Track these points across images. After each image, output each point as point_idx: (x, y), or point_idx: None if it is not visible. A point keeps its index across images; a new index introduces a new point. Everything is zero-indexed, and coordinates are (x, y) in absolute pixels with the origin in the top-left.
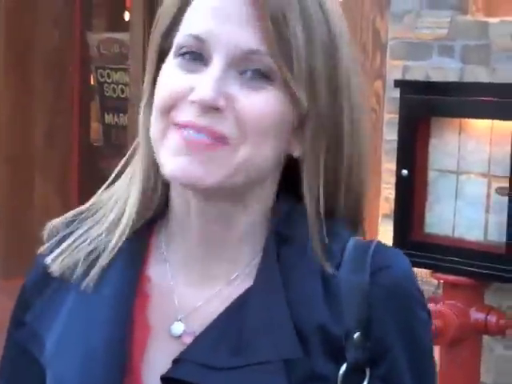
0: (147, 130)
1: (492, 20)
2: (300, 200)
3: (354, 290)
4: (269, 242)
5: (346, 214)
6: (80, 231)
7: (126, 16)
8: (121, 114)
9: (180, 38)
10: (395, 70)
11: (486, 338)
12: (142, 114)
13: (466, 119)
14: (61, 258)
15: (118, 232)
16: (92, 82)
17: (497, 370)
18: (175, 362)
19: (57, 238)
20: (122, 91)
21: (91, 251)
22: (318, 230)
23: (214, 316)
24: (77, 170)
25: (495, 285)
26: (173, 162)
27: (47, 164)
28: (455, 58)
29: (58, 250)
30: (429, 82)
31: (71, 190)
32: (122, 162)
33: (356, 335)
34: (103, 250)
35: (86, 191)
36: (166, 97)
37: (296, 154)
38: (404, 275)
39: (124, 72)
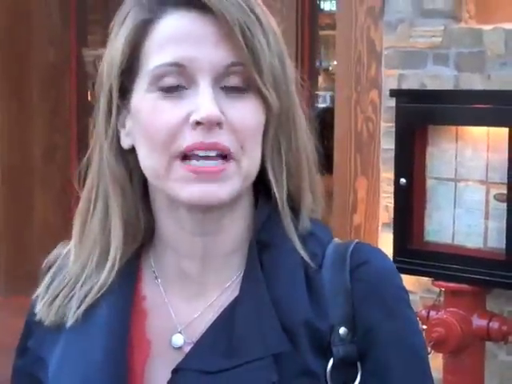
0: (114, 171)
1: (485, 27)
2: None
3: (337, 287)
4: (251, 250)
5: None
6: (68, 275)
7: None
8: None
9: (155, 69)
10: (391, 79)
11: (488, 344)
12: (104, 158)
13: (463, 127)
14: (51, 311)
15: (106, 269)
16: (89, 98)
17: (501, 376)
18: (174, 371)
19: (46, 281)
20: None
21: (83, 294)
22: (295, 230)
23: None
24: (76, 188)
25: (496, 291)
26: (187, 190)
27: (46, 180)
28: (450, 66)
29: (46, 299)
30: (424, 91)
31: (71, 206)
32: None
33: (342, 330)
34: (92, 287)
35: None
36: (163, 130)
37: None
38: (382, 268)
39: None
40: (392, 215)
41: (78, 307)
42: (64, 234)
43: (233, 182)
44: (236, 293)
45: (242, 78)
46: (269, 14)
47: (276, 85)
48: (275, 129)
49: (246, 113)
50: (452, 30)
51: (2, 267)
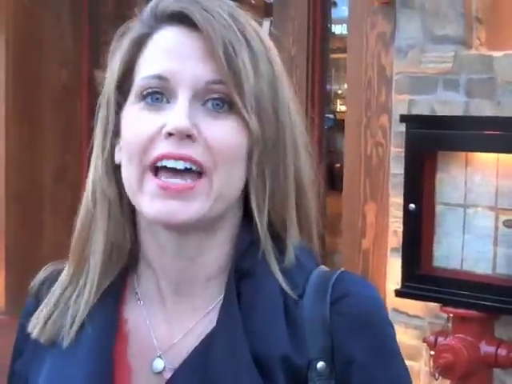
0: (104, 189)
1: (496, 54)
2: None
3: (316, 319)
4: (229, 278)
5: (302, 236)
6: (57, 292)
7: None
8: None
9: (140, 81)
10: (401, 104)
11: (496, 371)
12: (97, 170)
13: (472, 153)
14: (45, 330)
15: (87, 289)
16: None
17: None
18: None
19: (38, 301)
20: None
21: (74, 314)
22: (277, 258)
23: (190, 351)
24: None
25: (505, 317)
26: (152, 205)
27: (56, 202)
28: (460, 92)
29: (36, 317)
30: (434, 117)
31: None
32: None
33: (319, 365)
34: (79, 308)
35: None
36: (138, 140)
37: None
38: (364, 301)
39: None
40: (401, 240)
41: (70, 327)
42: None
43: (200, 202)
44: (215, 321)
45: (224, 97)
46: (265, 39)
47: (260, 109)
48: (260, 154)
49: (223, 132)
50: (462, 56)
51: (10, 288)
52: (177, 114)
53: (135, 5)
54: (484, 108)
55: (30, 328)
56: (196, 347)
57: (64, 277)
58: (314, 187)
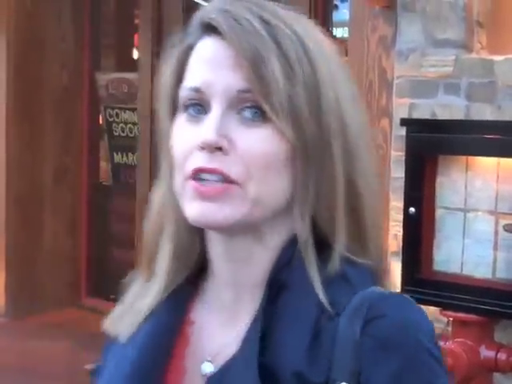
0: (172, 197)
1: (497, 57)
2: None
3: (348, 340)
4: (265, 288)
5: (362, 250)
6: (130, 292)
7: (135, 56)
8: (129, 154)
9: (183, 92)
10: (402, 107)
11: (496, 375)
12: (165, 178)
13: (473, 157)
14: (109, 323)
15: (153, 292)
16: (101, 122)
17: None
18: None
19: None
20: (131, 131)
21: (134, 311)
22: (321, 271)
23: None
24: (86, 210)
25: (505, 322)
26: (191, 207)
27: (56, 203)
28: (461, 96)
29: (111, 313)
30: (435, 121)
31: (81, 230)
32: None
33: None
34: (143, 308)
35: (96, 230)
36: (180, 152)
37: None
38: (397, 324)
39: (132, 111)
40: (401, 244)
41: (132, 324)
42: (73, 257)
43: (233, 207)
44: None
45: (256, 105)
46: (306, 39)
47: (295, 115)
48: (301, 160)
49: (255, 140)
50: (463, 60)
51: (11, 289)
52: (206, 127)
53: (137, 7)
54: (485, 112)
55: (104, 323)
56: (230, 357)
57: (137, 277)
58: (375, 193)
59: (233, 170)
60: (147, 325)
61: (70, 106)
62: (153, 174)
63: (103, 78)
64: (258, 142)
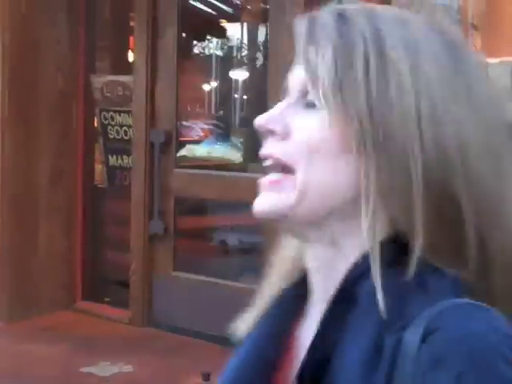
0: None
1: (492, 61)
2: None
3: (408, 355)
4: (331, 303)
5: (447, 254)
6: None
7: (130, 59)
8: (124, 156)
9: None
10: None
11: None
12: None
13: None
14: (243, 323)
15: (264, 300)
16: (96, 125)
17: None
18: None
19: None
20: (126, 133)
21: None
22: (393, 278)
23: None
24: (81, 212)
25: None
26: (255, 202)
27: (52, 206)
28: None
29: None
30: None
31: (76, 232)
32: None
33: None
34: (253, 315)
35: (91, 233)
36: None
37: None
38: (452, 339)
39: (127, 114)
40: None
41: (242, 329)
42: (68, 259)
43: (283, 194)
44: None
45: (323, 93)
46: (399, 38)
47: (349, 105)
48: (365, 149)
49: (308, 126)
50: None
51: (6, 292)
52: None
53: (132, 10)
54: None
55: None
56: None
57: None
58: (487, 195)
59: (285, 154)
60: (254, 333)
61: (65, 108)
62: (147, 177)
63: (98, 80)
64: (310, 127)
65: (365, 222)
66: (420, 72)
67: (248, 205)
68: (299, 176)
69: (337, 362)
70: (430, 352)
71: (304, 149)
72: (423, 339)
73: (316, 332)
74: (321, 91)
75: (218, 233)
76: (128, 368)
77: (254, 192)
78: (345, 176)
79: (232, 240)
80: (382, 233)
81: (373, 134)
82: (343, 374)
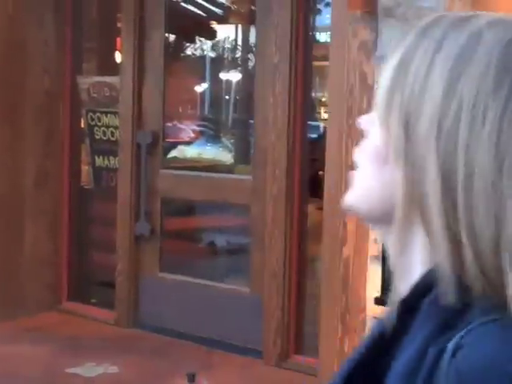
0: None
1: None
2: None
3: (442, 372)
4: (401, 303)
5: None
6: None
7: (117, 60)
8: (111, 157)
9: None
10: None
11: None
12: None
13: None
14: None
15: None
16: (82, 125)
17: None
18: None
19: None
20: (112, 134)
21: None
22: (455, 293)
23: None
24: (67, 213)
25: None
26: None
27: (37, 207)
28: None
29: None
30: None
31: (62, 233)
32: None
33: None
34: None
35: (77, 234)
36: None
37: None
38: (477, 359)
39: (114, 115)
40: (381, 248)
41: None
42: (54, 260)
43: (352, 190)
44: None
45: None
46: (451, 52)
47: (388, 116)
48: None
49: (372, 135)
50: None
51: None
52: None
53: (119, 11)
54: None
55: None
56: None
57: None
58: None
59: (356, 154)
60: (376, 326)
61: (52, 109)
62: (134, 178)
63: (85, 81)
64: (371, 136)
65: (429, 238)
66: (457, 92)
67: (234, 206)
68: (355, 176)
69: (393, 363)
70: (455, 368)
71: (363, 153)
72: (453, 354)
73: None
74: (375, 107)
75: (204, 234)
76: (113, 369)
77: (240, 193)
78: (389, 185)
79: (219, 241)
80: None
81: (397, 150)
82: (392, 375)
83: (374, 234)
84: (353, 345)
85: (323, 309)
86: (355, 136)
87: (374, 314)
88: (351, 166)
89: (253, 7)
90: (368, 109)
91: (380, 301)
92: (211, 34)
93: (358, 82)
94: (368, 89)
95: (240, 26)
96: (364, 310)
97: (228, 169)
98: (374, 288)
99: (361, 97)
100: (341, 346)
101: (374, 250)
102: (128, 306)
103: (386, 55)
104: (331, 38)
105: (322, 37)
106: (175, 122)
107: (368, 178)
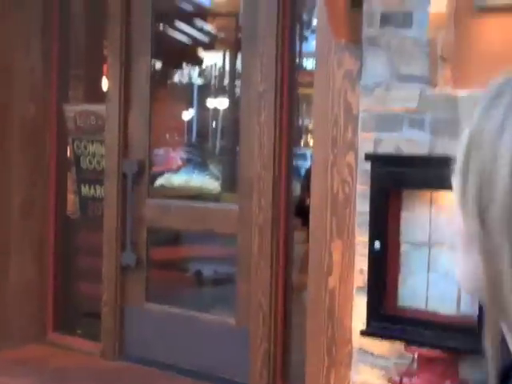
0: None
1: (461, 93)
2: None
3: None
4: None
5: None
6: None
7: (103, 87)
8: (97, 186)
9: None
10: (367, 141)
11: None
12: None
13: (437, 192)
14: None
15: None
16: (68, 154)
17: None
18: None
19: None
20: (99, 163)
21: None
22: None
23: None
24: (53, 243)
25: (471, 358)
26: None
27: (23, 236)
28: (425, 131)
29: None
30: (399, 156)
31: (47, 263)
32: None
33: None
34: None
35: (63, 263)
36: None
37: None
38: None
39: (100, 144)
40: (366, 279)
41: None
42: (40, 290)
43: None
44: None
45: None
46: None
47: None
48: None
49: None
50: (427, 95)
51: None
52: None
53: (105, 38)
54: (449, 146)
55: None
56: None
57: None
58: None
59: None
60: None
61: (38, 137)
62: (120, 208)
63: (71, 109)
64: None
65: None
66: None
67: (221, 235)
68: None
69: None
70: None
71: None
72: None
73: None
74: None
75: (190, 263)
76: None
77: (227, 223)
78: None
79: (206, 271)
80: None
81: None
82: None
83: (360, 264)
84: (339, 377)
85: (309, 340)
86: (340, 166)
87: (360, 346)
88: (336, 195)
89: (239, 35)
90: (352, 138)
91: (365, 333)
92: (198, 62)
93: (342, 112)
94: (352, 118)
95: (228, 53)
96: (350, 341)
97: (215, 197)
98: (359, 319)
99: (345, 126)
100: (327, 380)
101: (359, 280)
102: (114, 338)
103: (370, 84)
104: (316, 66)
105: (309, 63)
106: (161, 150)
107: (459, 259)
